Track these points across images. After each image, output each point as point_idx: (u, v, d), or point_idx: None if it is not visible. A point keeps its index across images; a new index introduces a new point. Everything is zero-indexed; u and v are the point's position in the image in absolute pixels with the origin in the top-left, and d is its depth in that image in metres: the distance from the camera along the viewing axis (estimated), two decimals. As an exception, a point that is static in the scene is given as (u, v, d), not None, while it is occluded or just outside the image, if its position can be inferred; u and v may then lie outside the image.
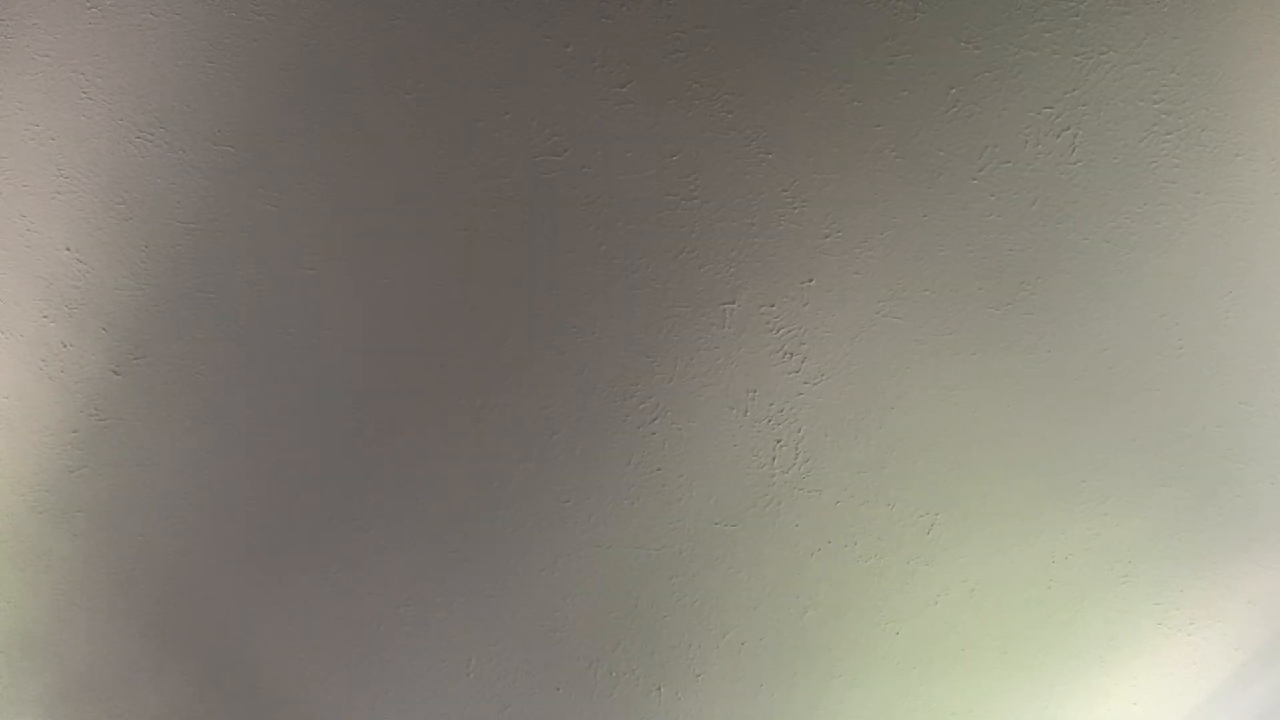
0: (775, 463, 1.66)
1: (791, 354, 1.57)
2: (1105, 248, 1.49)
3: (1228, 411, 1.65)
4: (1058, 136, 1.39)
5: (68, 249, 1.43)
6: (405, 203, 1.42)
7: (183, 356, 1.52)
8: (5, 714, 1.87)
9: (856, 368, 1.58)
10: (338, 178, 1.39)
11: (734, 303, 1.52)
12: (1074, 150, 1.40)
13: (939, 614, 1.83)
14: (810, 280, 1.50)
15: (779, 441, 1.64)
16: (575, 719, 1.93)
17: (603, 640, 1.84)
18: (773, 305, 1.52)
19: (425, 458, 1.63)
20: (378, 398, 1.57)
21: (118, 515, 1.66)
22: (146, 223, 1.41)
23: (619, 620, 1.82)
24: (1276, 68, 1.34)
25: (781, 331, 1.54)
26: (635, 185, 1.41)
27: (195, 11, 1.26)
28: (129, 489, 1.64)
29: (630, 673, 1.88)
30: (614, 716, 1.93)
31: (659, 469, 1.66)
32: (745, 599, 1.80)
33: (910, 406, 1.61)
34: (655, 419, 1.61)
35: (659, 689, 1.90)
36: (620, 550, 1.74)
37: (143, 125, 1.34)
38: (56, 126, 1.33)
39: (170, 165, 1.37)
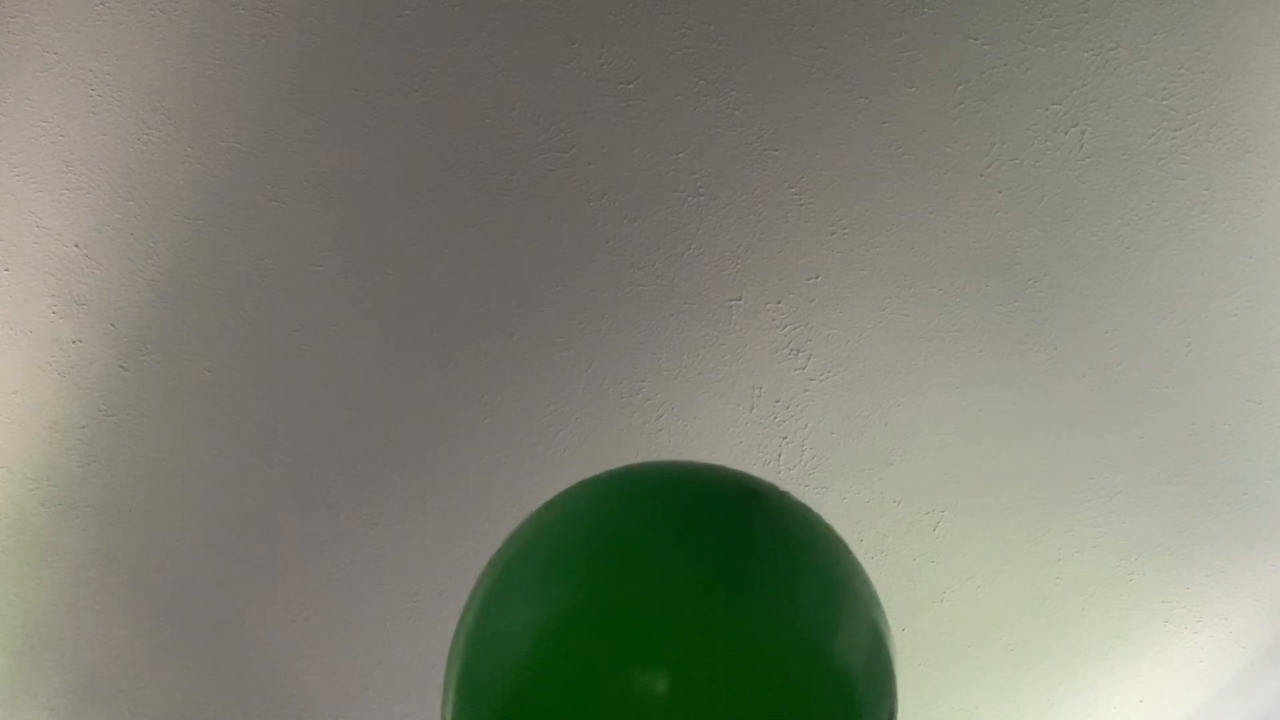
0: (781, 460, 1.66)
1: (797, 350, 1.57)
2: (1113, 244, 1.48)
3: (1235, 409, 1.64)
4: (1065, 133, 1.39)
5: (76, 245, 1.43)
6: (411, 199, 1.42)
7: (190, 352, 1.53)
8: (12, 708, 1.88)
9: (863, 364, 1.58)
10: (344, 174, 1.40)
11: (740, 299, 1.52)
12: (1082, 147, 1.40)
13: (944, 611, 1.83)
14: (816, 276, 1.50)
15: (785, 439, 1.64)
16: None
17: (608, 636, 1.84)
18: (779, 302, 1.52)
19: (431, 455, 1.64)
20: (384, 394, 1.58)
21: (126, 510, 1.67)
22: (155, 219, 1.41)
23: (625, 616, 1.81)
24: (1286, 64, 1.33)
25: (787, 328, 1.54)
26: (641, 181, 1.41)
27: (203, 9, 1.26)
28: (137, 484, 1.65)
29: (636, 668, 1.88)
30: (620, 712, 1.93)
31: (665, 465, 1.66)
32: (751, 595, 1.80)
33: (916, 403, 1.61)
34: (661, 415, 1.61)
35: (665, 685, 1.90)
36: (626, 546, 1.74)
37: (151, 122, 1.34)
38: (65, 124, 1.34)
39: (178, 162, 1.37)
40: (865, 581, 0.89)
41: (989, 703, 1.96)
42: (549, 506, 0.95)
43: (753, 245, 1.47)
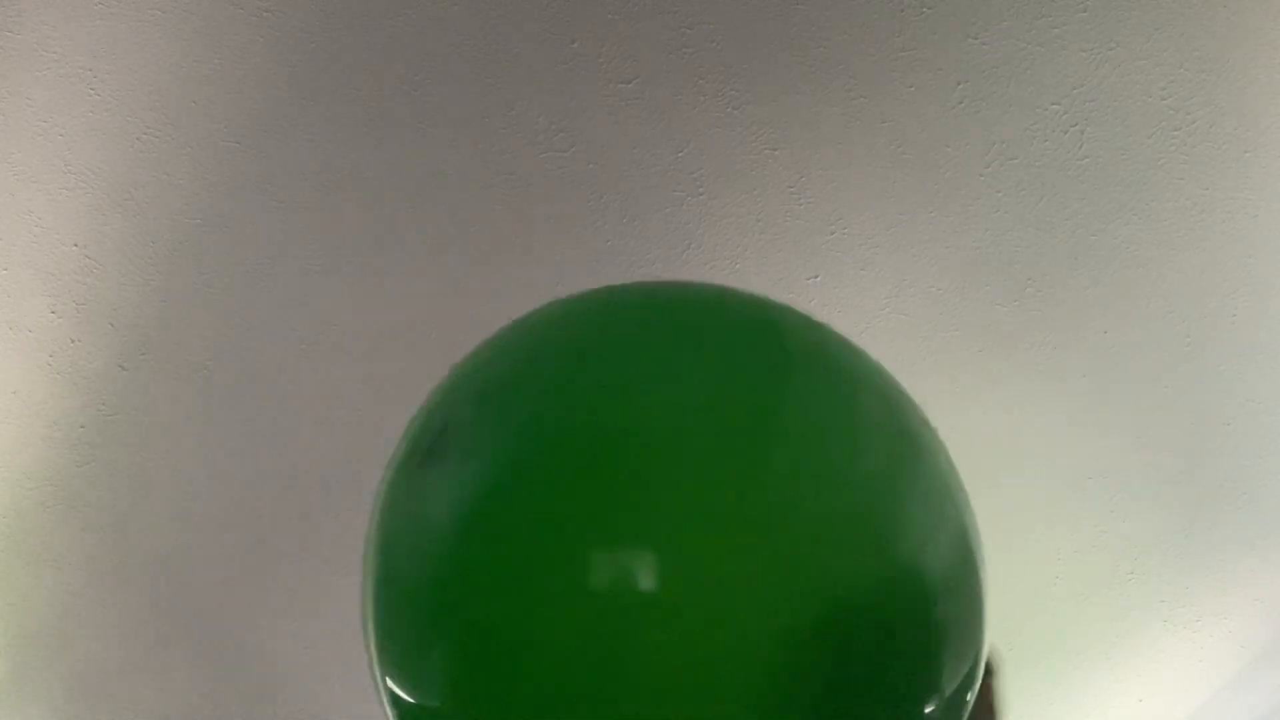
0: (781, 459, 1.66)
1: (797, 350, 1.56)
2: (1113, 244, 1.48)
3: (1235, 409, 1.64)
4: (1065, 133, 1.39)
5: (75, 245, 1.43)
6: (411, 198, 1.42)
7: (189, 352, 1.53)
8: (11, 708, 1.88)
9: (862, 364, 1.58)
10: (344, 174, 1.40)
11: (740, 299, 1.52)
12: (1081, 146, 1.40)
13: (945, 610, 1.83)
14: (816, 276, 1.50)
15: (785, 438, 1.64)
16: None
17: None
18: (779, 302, 1.52)
19: (431, 453, 1.63)
20: (384, 394, 1.58)
21: (125, 510, 1.67)
22: (153, 219, 1.41)
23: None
24: (1286, 64, 1.33)
25: (787, 328, 1.54)
26: (641, 181, 1.41)
27: (203, 9, 1.26)
28: (136, 484, 1.65)
29: (636, 668, 1.88)
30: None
31: (665, 465, 1.66)
32: (751, 595, 1.80)
33: (916, 403, 1.61)
34: (661, 415, 1.61)
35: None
36: (626, 546, 1.74)
37: (150, 122, 1.34)
38: (65, 124, 1.34)
39: (177, 162, 1.37)
40: (939, 443, 0.58)
41: (989, 702, 1.96)
42: (501, 332, 0.66)
43: (752, 245, 1.47)
